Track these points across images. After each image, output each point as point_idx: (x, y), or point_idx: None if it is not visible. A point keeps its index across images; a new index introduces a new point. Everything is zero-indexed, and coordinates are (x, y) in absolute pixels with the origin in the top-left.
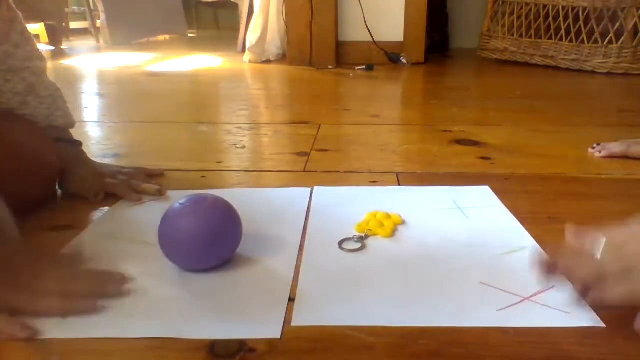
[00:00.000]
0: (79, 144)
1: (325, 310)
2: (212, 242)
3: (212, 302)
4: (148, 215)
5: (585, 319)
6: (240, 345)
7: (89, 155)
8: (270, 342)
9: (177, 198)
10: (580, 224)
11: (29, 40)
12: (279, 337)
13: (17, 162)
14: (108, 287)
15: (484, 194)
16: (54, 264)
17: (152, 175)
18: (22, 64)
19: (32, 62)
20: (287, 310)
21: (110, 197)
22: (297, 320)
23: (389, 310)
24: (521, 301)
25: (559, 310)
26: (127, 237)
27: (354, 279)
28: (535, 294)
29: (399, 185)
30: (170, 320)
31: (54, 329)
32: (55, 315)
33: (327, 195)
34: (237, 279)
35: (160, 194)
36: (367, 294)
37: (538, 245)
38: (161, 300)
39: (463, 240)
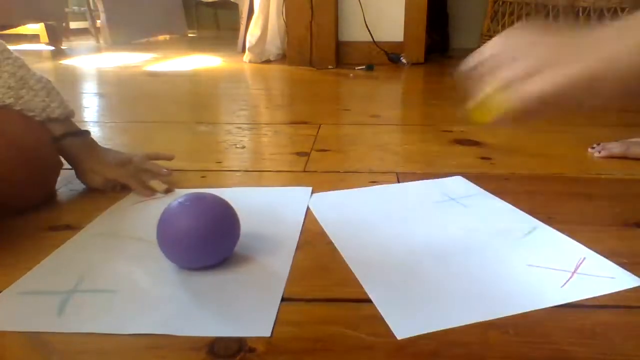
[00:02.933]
0: (87, 133)
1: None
2: (210, 241)
3: (209, 300)
4: (147, 213)
5: (629, 281)
6: (240, 345)
7: None
8: (270, 342)
9: (176, 197)
10: (580, 225)
11: None
12: (269, 335)
13: (15, 159)
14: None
15: (462, 183)
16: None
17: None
18: (2, 56)
19: (11, 54)
20: (279, 310)
21: (126, 188)
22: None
23: (458, 309)
24: (572, 275)
25: (605, 277)
26: (125, 234)
27: (407, 277)
28: (577, 267)
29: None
30: (167, 318)
31: (54, 323)
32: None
33: (322, 202)
34: (234, 278)
35: (167, 192)
36: (427, 295)
37: (543, 223)
38: (159, 297)
39: (480, 230)
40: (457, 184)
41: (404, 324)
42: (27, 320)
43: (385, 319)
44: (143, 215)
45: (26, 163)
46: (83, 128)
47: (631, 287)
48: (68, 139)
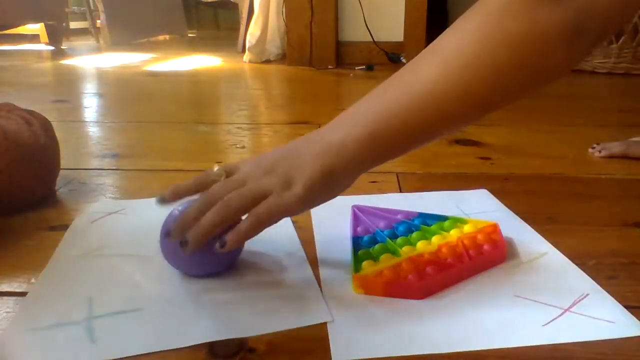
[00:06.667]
0: None
1: (363, 340)
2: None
3: (247, 300)
4: (113, 228)
5: (631, 328)
6: (240, 345)
7: (92, 156)
8: (270, 342)
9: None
10: (580, 225)
11: None
12: (331, 320)
13: (13, 151)
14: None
15: (484, 197)
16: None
17: None
18: None
19: None
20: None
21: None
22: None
23: (427, 336)
24: (562, 313)
25: (603, 320)
26: (106, 253)
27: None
28: (573, 304)
29: (399, 185)
30: (216, 323)
31: (92, 352)
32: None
33: (326, 209)
34: (254, 278)
35: None
36: (385, 319)
37: (557, 250)
38: (195, 307)
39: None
40: (479, 198)
41: (345, 348)
42: (63, 356)
43: (330, 342)
44: (111, 231)
45: (24, 156)
46: (84, 128)
47: (630, 335)
48: None
